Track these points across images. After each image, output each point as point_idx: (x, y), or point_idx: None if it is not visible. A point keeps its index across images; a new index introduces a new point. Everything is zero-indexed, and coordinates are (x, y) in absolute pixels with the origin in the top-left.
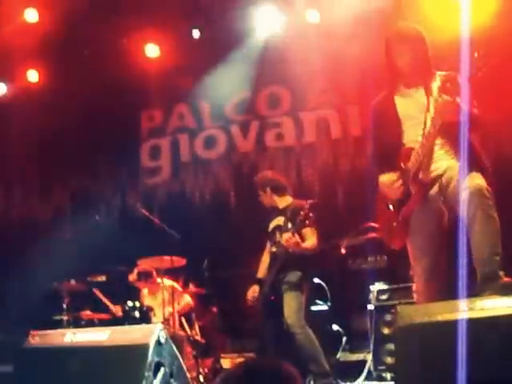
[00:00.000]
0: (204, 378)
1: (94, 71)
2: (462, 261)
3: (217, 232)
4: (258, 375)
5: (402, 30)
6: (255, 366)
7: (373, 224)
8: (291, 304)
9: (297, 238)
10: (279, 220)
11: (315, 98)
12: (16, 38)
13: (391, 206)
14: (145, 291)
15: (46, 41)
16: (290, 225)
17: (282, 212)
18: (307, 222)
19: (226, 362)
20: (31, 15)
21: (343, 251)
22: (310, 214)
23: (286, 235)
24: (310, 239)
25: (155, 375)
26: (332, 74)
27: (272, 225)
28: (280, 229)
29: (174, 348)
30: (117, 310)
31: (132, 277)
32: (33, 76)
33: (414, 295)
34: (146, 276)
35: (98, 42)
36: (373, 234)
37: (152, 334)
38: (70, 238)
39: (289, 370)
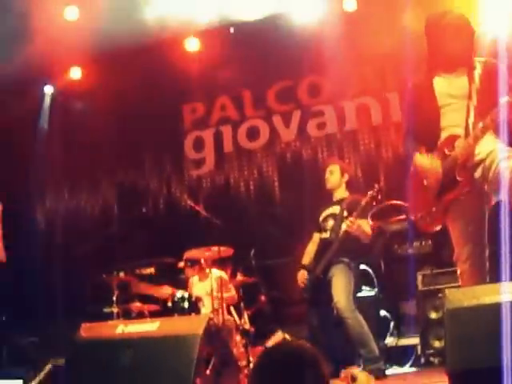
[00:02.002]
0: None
1: (136, 66)
2: (505, 245)
3: (262, 221)
4: (283, 359)
5: (451, 18)
6: (280, 351)
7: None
8: (341, 289)
9: (359, 222)
10: (334, 209)
11: (355, 86)
12: (57, 36)
13: (430, 190)
14: (193, 280)
15: (88, 37)
16: (345, 214)
17: (337, 202)
18: (366, 212)
19: None
20: (72, 13)
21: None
22: (373, 204)
23: (349, 219)
24: (367, 229)
25: (206, 365)
26: (371, 62)
27: (324, 213)
28: (334, 217)
29: (224, 337)
30: (164, 292)
31: (181, 264)
32: (76, 73)
33: (459, 280)
34: (193, 265)
35: (141, 36)
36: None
37: (202, 323)
38: (118, 231)
39: (313, 353)
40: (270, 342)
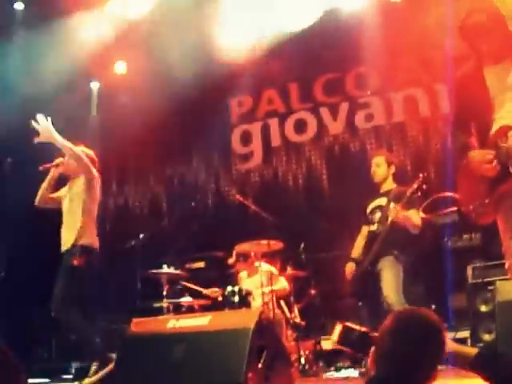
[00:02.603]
0: (305, 360)
1: (181, 60)
2: None
3: (311, 214)
4: (407, 325)
5: (479, 19)
6: (404, 317)
7: (456, 197)
8: (390, 282)
9: (406, 213)
10: (381, 201)
11: (402, 77)
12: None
13: (483, 182)
14: (243, 274)
15: (133, 32)
16: (392, 205)
17: (384, 194)
18: (413, 202)
19: (327, 344)
20: (116, 7)
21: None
22: (418, 194)
23: (395, 210)
24: (416, 220)
25: (257, 358)
26: (418, 53)
27: (372, 205)
28: (382, 209)
29: (275, 331)
30: (212, 292)
31: (231, 259)
32: (121, 68)
33: (509, 273)
34: (244, 258)
35: (185, 30)
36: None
37: (253, 317)
38: (167, 226)
39: (435, 322)
40: (334, 335)
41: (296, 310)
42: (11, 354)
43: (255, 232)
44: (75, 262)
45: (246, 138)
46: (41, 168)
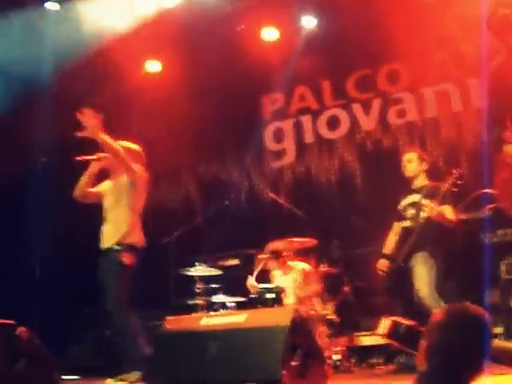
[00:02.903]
0: (338, 357)
1: (214, 58)
2: None
3: (345, 211)
4: (456, 320)
5: (504, 13)
6: (454, 312)
7: (493, 193)
8: (422, 277)
9: (440, 208)
10: (414, 197)
11: (434, 72)
12: (136, 29)
13: None
14: (276, 272)
15: (166, 30)
16: (425, 202)
17: (416, 191)
18: (447, 198)
19: (360, 340)
20: (148, 8)
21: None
22: (453, 190)
23: (429, 206)
24: (450, 216)
25: (292, 356)
26: (450, 47)
27: (404, 202)
28: (415, 205)
29: (310, 328)
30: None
31: (263, 257)
32: (154, 66)
33: None
34: (276, 256)
35: (217, 28)
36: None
37: (288, 315)
38: (201, 223)
39: (483, 317)
40: (382, 329)
41: (330, 307)
42: (45, 350)
43: (288, 229)
44: (125, 260)
45: (279, 136)
46: (78, 158)
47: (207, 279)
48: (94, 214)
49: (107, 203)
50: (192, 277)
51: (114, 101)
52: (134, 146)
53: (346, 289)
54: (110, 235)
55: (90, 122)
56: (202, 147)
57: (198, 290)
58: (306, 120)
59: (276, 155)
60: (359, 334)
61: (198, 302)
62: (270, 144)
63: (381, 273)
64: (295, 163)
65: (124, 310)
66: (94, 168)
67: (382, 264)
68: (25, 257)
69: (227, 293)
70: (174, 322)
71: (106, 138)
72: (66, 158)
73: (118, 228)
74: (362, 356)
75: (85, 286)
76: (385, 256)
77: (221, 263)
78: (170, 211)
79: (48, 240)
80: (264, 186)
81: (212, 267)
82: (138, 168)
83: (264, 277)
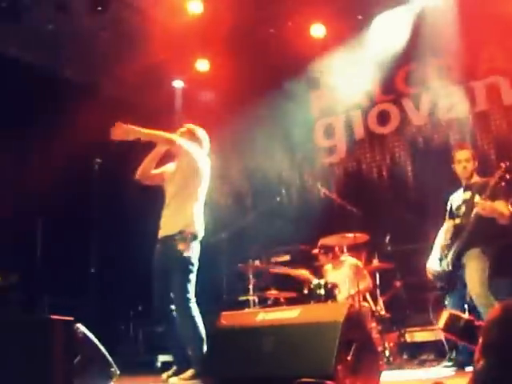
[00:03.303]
0: (389, 353)
1: (261, 54)
2: None
3: (396, 206)
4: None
5: None
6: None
7: None
8: (475, 275)
9: (491, 204)
10: (465, 195)
11: (484, 66)
12: (183, 29)
13: None
14: (328, 267)
15: (213, 29)
16: (477, 198)
17: (467, 188)
18: (497, 193)
19: (411, 336)
20: (196, 7)
21: None
22: (502, 184)
23: (480, 202)
24: (503, 210)
25: (347, 351)
26: (499, 41)
27: (455, 199)
28: (467, 202)
29: (363, 323)
30: (302, 273)
31: (315, 251)
32: (203, 65)
33: None
34: (328, 252)
35: (264, 25)
36: None
37: (343, 310)
38: (253, 220)
39: None
40: (440, 323)
41: (381, 302)
42: (100, 347)
43: (340, 225)
44: (181, 247)
45: (329, 132)
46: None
47: (259, 275)
48: (149, 214)
49: (171, 188)
50: (244, 273)
51: (164, 100)
52: (196, 129)
53: (398, 284)
54: (171, 223)
55: (120, 129)
56: (253, 144)
57: (249, 286)
58: (357, 116)
59: (327, 151)
60: (410, 329)
61: (249, 297)
62: (321, 140)
63: (430, 276)
64: (346, 159)
65: (188, 304)
66: (159, 149)
67: (431, 269)
68: (81, 254)
69: (279, 288)
70: (229, 318)
71: (150, 131)
72: (121, 158)
73: (181, 216)
74: (413, 352)
75: (137, 283)
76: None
77: (273, 259)
78: (222, 208)
79: (102, 239)
80: (315, 182)
81: (263, 263)
82: (196, 155)
83: (317, 272)
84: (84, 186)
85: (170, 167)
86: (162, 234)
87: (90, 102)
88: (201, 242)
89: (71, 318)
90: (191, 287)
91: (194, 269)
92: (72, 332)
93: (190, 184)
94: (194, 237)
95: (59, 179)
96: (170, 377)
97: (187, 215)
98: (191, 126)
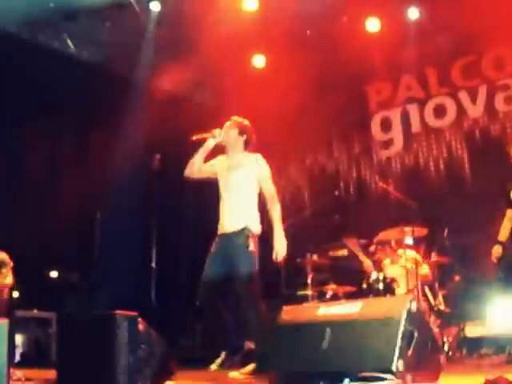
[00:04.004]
0: (448, 347)
1: (318, 50)
2: None
3: (454, 200)
4: None
5: None
6: None
7: None
8: None
9: None
10: None
11: None
12: (238, 26)
13: None
14: (386, 262)
15: (269, 26)
16: None
17: None
18: None
19: (471, 330)
20: (251, 3)
21: None
22: None
23: None
24: None
25: (408, 345)
26: None
27: None
28: None
29: (424, 318)
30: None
31: (373, 248)
32: (259, 61)
33: None
34: (386, 246)
35: (321, 21)
36: None
37: (404, 304)
38: (310, 214)
39: None
40: None
41: (440, 297)
42: (162, 341)
43: (398, 219)
44: (251, 247)
45: (386, 125)
46: (194, 138)
47: (317, 269)
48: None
49: (226, 183)
50: (302, 267)
51: (219, 96)
52: (245, 122)
53: (457, 278)
54: (232, 219)
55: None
56: (310, 139)
57: (308, 281)
58: (413, 109)
59: (384, 145)
60: (469, 324)
61: (308, 292)
62: (378, 134)
63: (494, 260)
64: (403, 152)
65: (259, 303)
66: (209, 144)
67: (497, 251)
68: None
69: (337, 283)
70: (290, 312)
71: (221, 131)
72: (180, 153)
73: (241, 212)
74: (472, 346)
75: (195, 278)
76: (499, 243)
77: (331, 254)
78: (280, 203)
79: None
80: (373, 176)
81: (321, 258)
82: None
83: (375, 266)
84: (143, 181)
85: (221, 160)
86: (221, 231)
87: (147, 101)
88: (259, 238)
89: (135, 313)
90: (256, 282)
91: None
92: (136, 327)
93: (252, 177)
94: (254, 232)
95: (118, 176)
96: (219, 366)
97: (248, 211)
98: (239, 118)
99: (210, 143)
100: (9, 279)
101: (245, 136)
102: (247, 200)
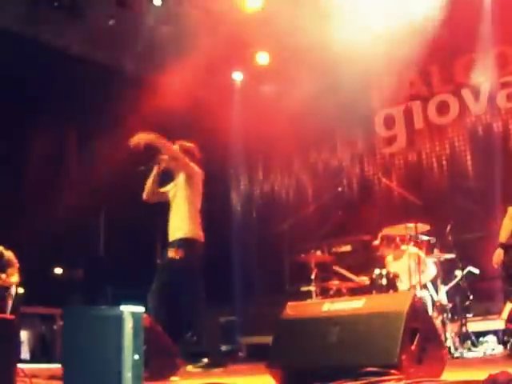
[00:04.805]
0: (451, 342)
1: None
2: None
3: (457, 196)
4: None
5: None
6: None
7: None
8: None
9: None
10: None
11: None
12: (243, 24)
13: None
14: (389, 258)
15: (273, 23)
16: None
17: None
18: None
19: (473, 326)
20: (255, 1)
21: None
22: None
23: None
24: None
25: (411, 340)
26: None
27: None
28: None
29: (427, 313)
30: (361, 280)
31: (376, 243)
32: (264, 58)
33: None
34: (389, 242)
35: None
36: None
37: (407, 300)
38: (314, 211)
39: None
40: (504, 314)
41: (443, 292)
42: (167, 338)
43: (400, 215)
44: (172, 255)
45: (390, 122)
46: (141, 169)
47: (321, 265)
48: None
49: (171, 201)
50: (306, 263)
51: (223, 94)
52: (189, 145)
53: (459, 274)
54: (171, 230)
55: (140, 137)
56: (313, 136)
57: (311, 277)
58: (416, 106)
59: (387, 141)
60: (472, 319)
61: (311, 288)
62: (381, 130)
63: (496, 266)
64: (406, 149)
65: (197, 305)
66: (156, 171)
67: (498, 256)
68: (147, 246)
69: (341, 279)
70: (295, 308)
71: (160, 141)
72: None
73: (178, 223)
74: (475, 341)
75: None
76: (501, 245)
77: (334, 249)
78: (283, 199)
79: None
80: (376, 172)
81: (325, 254)
82: (193, 166)
83: (378, 262)
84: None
85: (170, 185)
86: (168, 240)
87: (151, 97)
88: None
89: (141, 309)
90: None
91: (184, 272)
92: (141, 322)
93: (184, 193)
94: (187, 241)
95: (121, 172)
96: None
97: (183, 222)
98: (185, 143)
99: (157, 169)
100: (15, 278)
101: (187, 158)
102: (184, 213)
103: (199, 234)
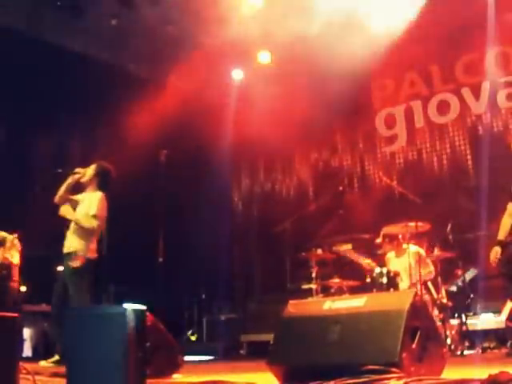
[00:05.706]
0: (451, 341)
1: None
2: None
3: (457, 195)
4: None
5: None
6: None
7: None
8: None
9: None
10: None
11: None
12: (244, 23)
13: None
14: (390, 255)
15: (274, 23)
16: None
17: None
18: None
19: (473, 324)
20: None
21: None
22: None
23: None
24: None
25: (412, 339)
26: None
27: None
28: None
29: (428, 311)
30: (367, 263)
31: (379, 241)
32: (265, 57)
33: None
34: (391, 240)
35: None
36: None
37: (408, 298)
38: (314, 209)
39: None
40: (504, 313)
41: (443, 291)
42: (169, 335)
43: (401, 214)
44: (73, 265)
45: (390, 121)
46: (59, 170)
47: (322, 264)
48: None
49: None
50: (307, 262)
51: (224, 93)
52: (107, 165)
53: (460, 272)
54: (68, 242)
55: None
56: (314, 135)
57: (313, 275)
58: (417, 105)
59: (388, 140)
60: (472, 317)
61: (312, 286)
62: (382, 129)
63: (493, 264)
64: (407, 148)
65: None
66: (71, 180)
67: (495, 254)
68: (149, 244)
69: (342, 277)
70: (296, 306)
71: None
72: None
73: (74, 236)
74: (475, 340)
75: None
76: (499, 243)
77: (335, 248)
78: (284, 198)
79: (170, 229)
80: (377, 171)
81: (326, 252)
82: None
83: (379, 261)
84: (151, 176)
85: (81, 196)
86: (64, 251)
87: (154, 96)
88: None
89: (144, 307)
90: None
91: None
92: (143, 320)
93: (87, 210)
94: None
95: (125, 171)
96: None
97: (78, 237)
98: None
99: (72, 179)
100: (16, 259)
101: (99, 178)
102: (80, 228)
103: (93, 253)
